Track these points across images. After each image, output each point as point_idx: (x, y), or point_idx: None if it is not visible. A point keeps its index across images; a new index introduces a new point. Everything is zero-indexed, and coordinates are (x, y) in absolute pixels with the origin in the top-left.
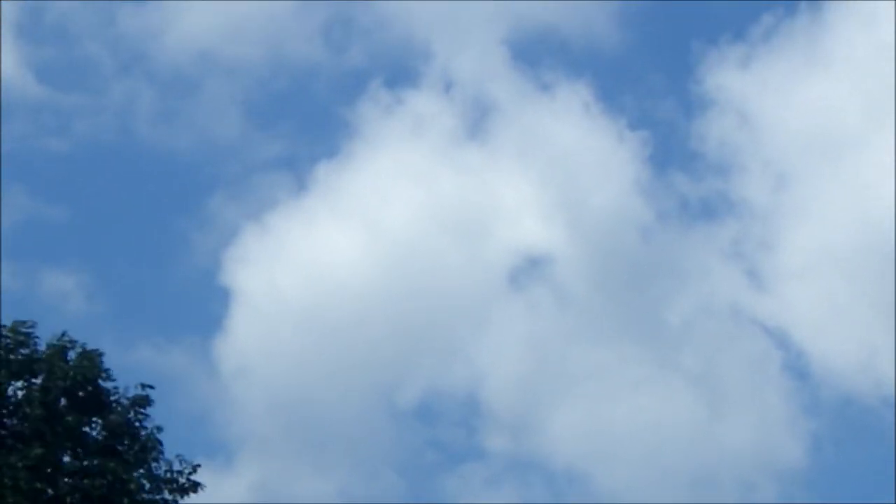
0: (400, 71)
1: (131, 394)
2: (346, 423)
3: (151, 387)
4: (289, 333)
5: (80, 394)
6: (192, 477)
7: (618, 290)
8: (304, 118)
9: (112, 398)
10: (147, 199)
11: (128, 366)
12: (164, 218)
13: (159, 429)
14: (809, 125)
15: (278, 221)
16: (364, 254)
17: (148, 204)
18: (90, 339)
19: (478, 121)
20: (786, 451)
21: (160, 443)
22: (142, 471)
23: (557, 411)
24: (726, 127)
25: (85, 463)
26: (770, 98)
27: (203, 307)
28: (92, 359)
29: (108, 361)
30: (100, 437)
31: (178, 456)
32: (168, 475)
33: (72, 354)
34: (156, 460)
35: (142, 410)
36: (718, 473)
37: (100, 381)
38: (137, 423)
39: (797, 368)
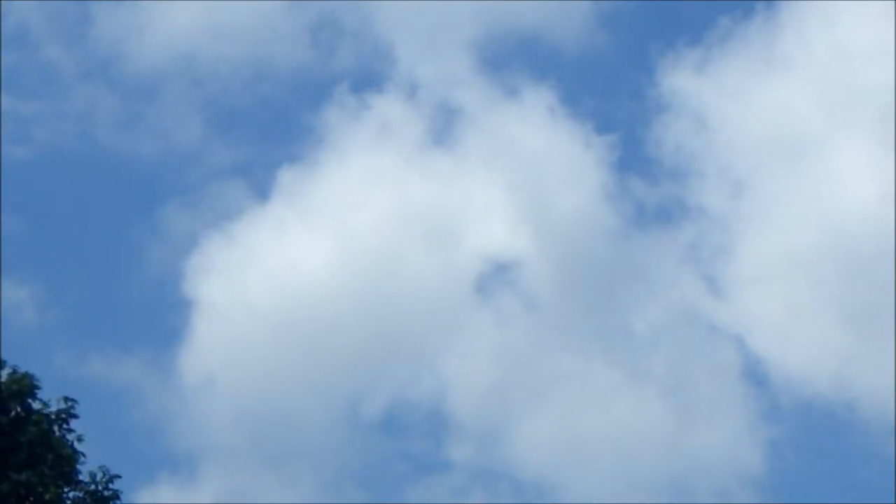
0: (365, 75)
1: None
2: (312, 434)
3: (74, 400)
4: (254, 343)
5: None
6: (112, 486)
7: (585, 297)
8: (269, 123)
9: (36, 413)
10: (105, 208)
11: (83, 378)
12: (122, 227)
13: (80, 439)
14: (767, 129)
15: (244, 229)
16: (331, 261)
17: (106, 213)
18: (44, 351)
19: (444, 126)
20: (751, 458)
21: (80, 454)
22: (60, 482)
23: (525, 420)
24: (684, 131)
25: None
26: (727, 101)
27: (164, 318)
28: (22, 380)
29: (62, 374)
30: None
31: (101, 467)
32: (92, 486)
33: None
34: (75, 472)
35: (65, 425)
36: (689, 481)
37: (28, 399)
38: (61, 437)
39: (757, 374)
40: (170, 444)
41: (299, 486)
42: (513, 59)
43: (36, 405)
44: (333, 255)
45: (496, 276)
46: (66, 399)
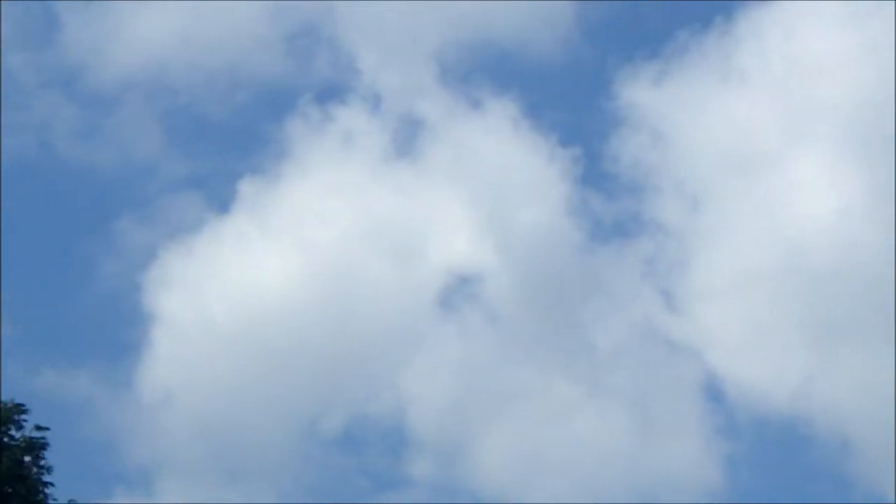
0: (329, 86)
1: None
2: (271, 449)
3: (46, 428)
4: (213, 357)
5: None
6: None
7: (547, 311)
8: (234, 134)
9: (4, 442)
10: (61, 220)
11: (39, 393)
12: (78, 239)
13: (49, 470)
14: (725, 142)
15: (203, 242)
16: (292, 275)
17: (62, 225)
18: None
19: (407, 138)
20: (709, 473)
21: (49, 484)
22: None
23: (486, 435)
24: (641, 145)
25: None
26: (685, 115)
27: (123, 332)
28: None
29: (15, 389)
30: None
31: (70, 501)
32: None
33: None
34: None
35: (38, 453)
36: (650, 495)
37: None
38: (32, 466)
39: (714, 390)
40: (127, 459)
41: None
42: (476, 71)
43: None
44: (295, 269)
45: (459, 290)
46: (39, 427)
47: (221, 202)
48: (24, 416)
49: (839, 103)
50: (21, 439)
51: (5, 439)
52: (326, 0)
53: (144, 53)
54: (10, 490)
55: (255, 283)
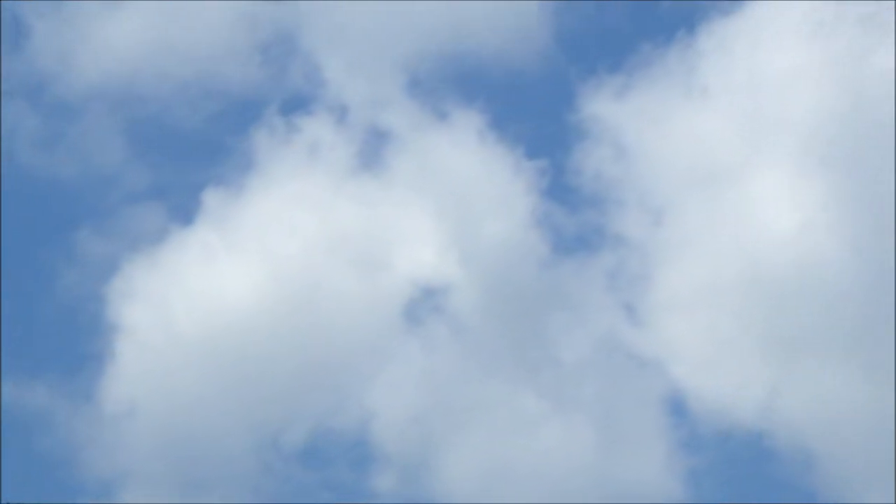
0: (295, 97)
1: None
2: (233, 462)
3: None
4: (178, 369)
5: None
6: None
7: (512, 323)
8: (199, 145)
9: None
10: (20, 231)
11: None
12: (38, 250)
13: None
14: (687, 156)
15: (167, 253)
16: (257, 287)
17: (21, 235)
18: None
19: (373, 149)
20: (672, 487)
21: None
22: None
23: (451, 449)
24: (604, 157)
25: None
26: (647, 129)
27: (85, 344)
28: None
29: None
30: None
31: None
32: None
33: None
34: None
35: None
36: None
37: None
38: None
39: (677, 403)
40: (88, 472)
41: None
42: (443, 82)
43: None
44: (259, 281)
45: (424, 302)
46: None
47: (185, 213)
48: None
49: (802, 117)
50: None
51: None
52: (297, 10)
53: (114, 62)
54: None
55: (219, 295)
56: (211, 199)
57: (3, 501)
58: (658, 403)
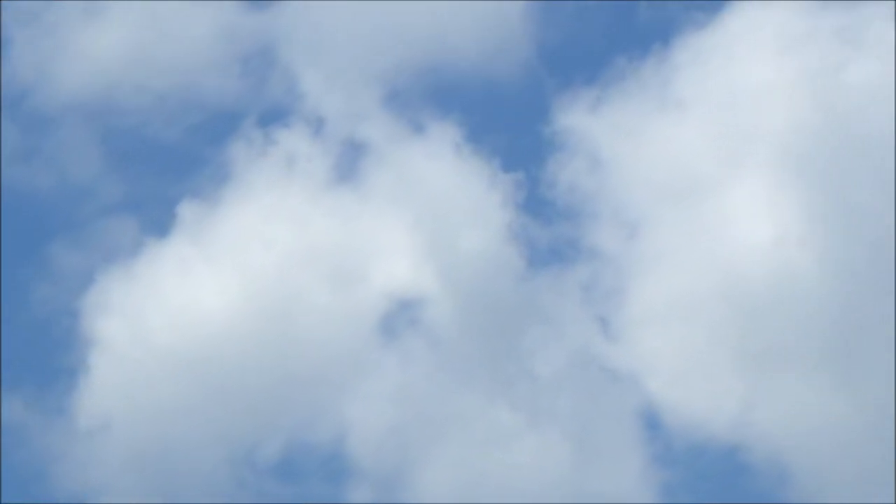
0: (272, 109)
1: None
2: (207, 477)
3: None
4: (152, 382)
5: None
6: None
7: (487, 337)
8: (175, 157)
9: None
10: None
11: None
12: (12, 263)
13: None
14: (662, 170)
15: (143, 266)
16: (233, 300)
17: None
18: None
19: (350, 162)
20: (646, 500)
21: None
22: None
23: (426, 463)
24: (578, 170)
25: None
26: (622, 142)
27: (59, 357)
28: None
29: None
30: None
31: None
32: None
33: None
34: None
35: None
36: None
37: None
38: None
39: (651, 417)
40: (61, 487)
41: None
42: (420, 94)
43: None
44: (235, 293)
45: (400, 316)
46: None
47: (161, 226)
48: None
49: (777, 130)
50: None
51: None
52: (276, 22)
53: (91, 73)
54: None
55: (194, 308)
56: (187, 211)
57: None
58: (632, 417)
